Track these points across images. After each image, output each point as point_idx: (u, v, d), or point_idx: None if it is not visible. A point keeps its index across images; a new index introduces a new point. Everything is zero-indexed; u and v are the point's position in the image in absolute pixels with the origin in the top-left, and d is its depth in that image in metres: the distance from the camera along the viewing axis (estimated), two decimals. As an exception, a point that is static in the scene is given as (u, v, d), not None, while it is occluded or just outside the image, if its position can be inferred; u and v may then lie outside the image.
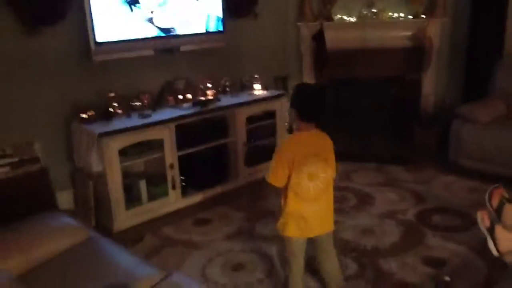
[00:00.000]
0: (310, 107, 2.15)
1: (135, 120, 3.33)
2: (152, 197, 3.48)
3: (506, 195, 2.21)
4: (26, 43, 3.16)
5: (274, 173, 2.15)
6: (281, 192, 2.20)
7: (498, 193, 2.22)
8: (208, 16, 3.88)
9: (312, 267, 2.51)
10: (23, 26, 3.11)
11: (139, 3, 3.45)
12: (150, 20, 3.55)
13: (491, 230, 2.13)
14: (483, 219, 2.19)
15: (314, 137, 2.19)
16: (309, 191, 2.13)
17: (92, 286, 1.79)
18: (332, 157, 2.23)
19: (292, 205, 2.16)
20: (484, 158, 3.80)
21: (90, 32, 3.25)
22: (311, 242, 2.30)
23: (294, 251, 2.23)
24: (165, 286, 1.81)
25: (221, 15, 3.94)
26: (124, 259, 2.07)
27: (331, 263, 2.36)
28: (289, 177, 2.13)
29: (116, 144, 3.16)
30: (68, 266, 1.97)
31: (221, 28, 3.97)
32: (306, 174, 2.11)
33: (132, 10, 3.43)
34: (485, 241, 2.25)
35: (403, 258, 2.77)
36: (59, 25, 3.23)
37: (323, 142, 2.22)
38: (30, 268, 1.98)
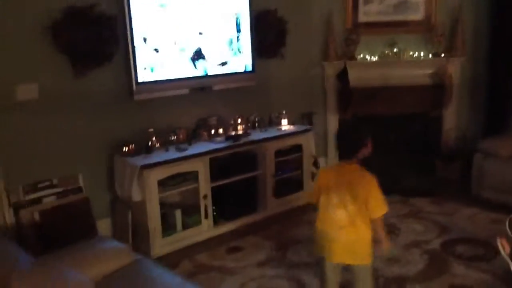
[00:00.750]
0: (340, 143, 2.38)
1: (172, 154, 3.57)
2: (186, 226, 3.68)
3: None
4: (75, 84, 3.46)
5: (311, 191, 2.44)
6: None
7: (519, 220, 2.37)
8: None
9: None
10: (73, 69, 3.42)
11: (201, 59, 3.91)
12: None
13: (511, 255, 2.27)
14: (503, 246, 2.34)
15: (348, 171, 2.32)
16: (335, 218, 2.28)
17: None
18: (368, 194, 2.26)
19: (320, 226, 2.37)
20: (506, 190, 3.91)
21: (132, 73, 3.56)
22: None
23: (325, 272, 2.41)
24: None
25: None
26: (171, 279, 2.25)
27: None
28: (319, 199, 2.34)
29: (156, 176, 3.40)
30: (121, 285, 2.14)
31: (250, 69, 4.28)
32: (335, 201, 2.28)
33: (196, 67, 3.90)
34: (508, 268, 2.38)
35: (429, 285, 2.89)
36: (106, 66, 3.55)
37: (357, 178, 2.29)
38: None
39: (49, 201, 3.42)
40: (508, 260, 2.30)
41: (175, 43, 3.74)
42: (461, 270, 3.06)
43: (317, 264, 2.84)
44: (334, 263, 2.37)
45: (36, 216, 3.31)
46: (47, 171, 3.40)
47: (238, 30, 4.13)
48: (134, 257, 2.47)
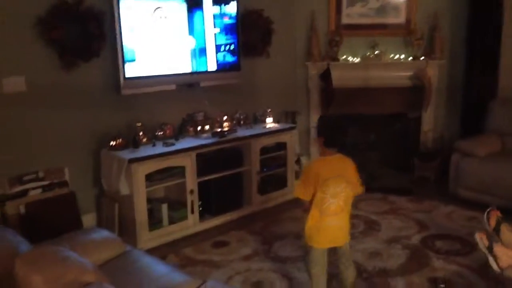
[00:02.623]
0: (332, 135, 2.48)
1: (160, 148, 3.60)
2: (172, 220, 3.71)
3: (501, 215, 2.49)
4: (63, 76, 3.46)
5: (300, 188, 2.50)
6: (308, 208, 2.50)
7: (494, 214, 2.50)
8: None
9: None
10: (62, 61, 3.42)
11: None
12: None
13: (490, 248, 2.39)
14: (481, 239, 2.46)
15: (337, 161, 2.49)
16: (330, 207, 2.43)
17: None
18: (354, 178, 2.51)
19: (315, 218, 2.47)
20: (481, 189, 4.07)
21: (120, 68, 3.57)
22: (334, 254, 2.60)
23: (315, 259, 2.53)
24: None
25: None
26: (161, 268, 2.29)
27: (350, 271, 2.65)
28: (314, 194, 2.42)
29: (144, 170, 3.42)
30: (114, 274, 2.16)
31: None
32: (330, 193, 2.41)
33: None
34: (486, 260, 2.50)
35: (410, 278, 3.00)
36: (93, 61, 3.56)
37: (345, 165, 2.51)
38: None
39: (35, 194, 3.41)
40: (487, 253, 2.41)
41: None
42: (440, 264, 3.18)
43: (303, 259, 3.06)
44: (326, 248, 2.52)
45: (22, 209, 3.30)
46: (33, 164, 3.39)
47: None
48: (126, 247, 2.51)
